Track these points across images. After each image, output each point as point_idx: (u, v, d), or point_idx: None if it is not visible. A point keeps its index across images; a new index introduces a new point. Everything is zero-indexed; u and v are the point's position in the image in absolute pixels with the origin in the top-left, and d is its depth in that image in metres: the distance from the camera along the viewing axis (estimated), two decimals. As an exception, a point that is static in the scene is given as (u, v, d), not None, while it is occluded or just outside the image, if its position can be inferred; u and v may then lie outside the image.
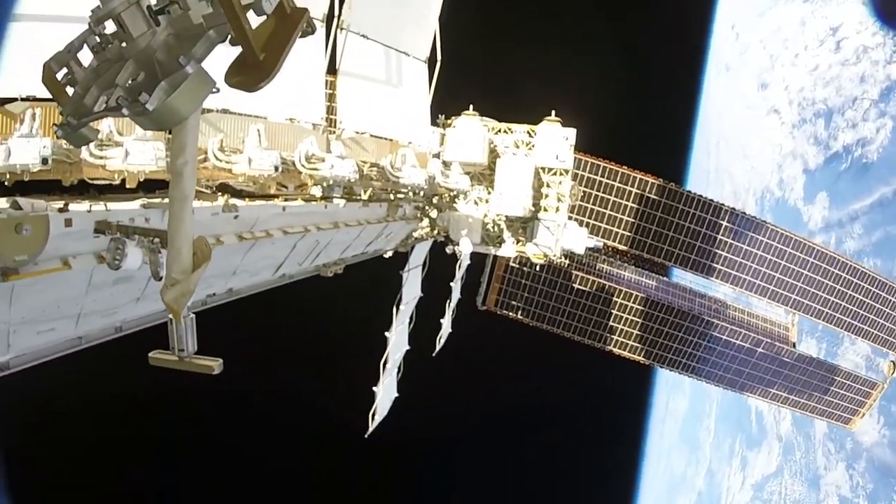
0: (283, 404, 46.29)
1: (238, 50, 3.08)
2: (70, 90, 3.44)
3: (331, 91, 15.07)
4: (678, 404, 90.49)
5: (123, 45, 3.17)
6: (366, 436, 24.89)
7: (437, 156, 19.07)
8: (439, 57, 17.34)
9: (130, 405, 39.41)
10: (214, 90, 3.23)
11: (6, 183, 8.55)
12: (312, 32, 3.20)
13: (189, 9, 3.02)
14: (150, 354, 5.18)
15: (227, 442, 46.66)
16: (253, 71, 3.01)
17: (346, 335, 40.16)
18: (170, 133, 4.24)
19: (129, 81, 3.08)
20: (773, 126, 79.25)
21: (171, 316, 4.82)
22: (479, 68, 44.16)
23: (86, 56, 3.41)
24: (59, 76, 3.45)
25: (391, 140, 16.03)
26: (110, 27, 3.21)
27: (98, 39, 3.26)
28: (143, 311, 9.25)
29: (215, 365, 5.01)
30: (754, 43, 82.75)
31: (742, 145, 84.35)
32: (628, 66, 56.70)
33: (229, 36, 3.03)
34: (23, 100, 8.84)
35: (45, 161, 8.40)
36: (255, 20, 3.00)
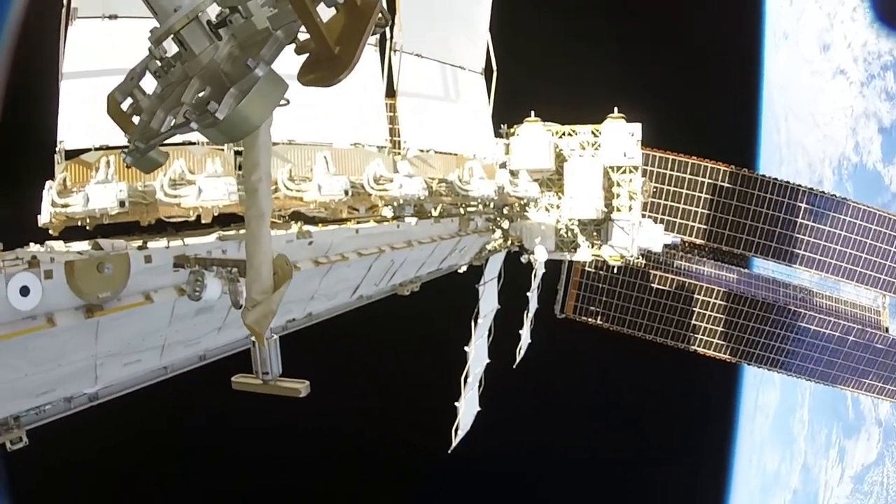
0: (365, 423, 46.65)
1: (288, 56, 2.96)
2: (136, 119, 3.37)
3: (392, 113, 15.11)
4: (768, 398, 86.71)
5: (186, 64, 3.07)
6: (449, 451, 24.81)
7: (503, 165, 18.95)
8: (494, 67, 17.22)
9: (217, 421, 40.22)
10: (285, 102, 3.06)
11: (87, 227, 8.83)
12: (386, 25, 3.02)
13: (252, 15, 2.92)
14: (233, 379, 5.10)
15: (307, 460, 47.16)
16: (329, 65, 2.82)
17: (426, 352, 40.22)
18: (240, 169, 4.13)
19: (196, 98, 2.96)
20: (842, 88, 75.81)
21: (253, 339, 4.68)
22: (534, 74, 43.83)
23: (150, 85, 3.32)
24: (125, 107, 3.40)
25: (456, 155, 15.96)
26: (172, 49, 3.14)
27: (160, 63, 3.19)
28: (225, 340, 9.38)
29: (302, 388, 4.88)
30: (809, 5, 79.00)
31: (812, 114, 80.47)
32: (684, 51, 55.35)
33: (295, 38, 2.92)
34: (97, 149, 9.14)
35: (122, 204, 8.68)
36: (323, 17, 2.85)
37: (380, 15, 2.91)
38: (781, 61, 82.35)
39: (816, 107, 79.54)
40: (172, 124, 3.05)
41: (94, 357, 6.82)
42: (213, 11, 3.04)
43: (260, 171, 3.73)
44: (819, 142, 79.39)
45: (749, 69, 74.41)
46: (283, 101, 3.03)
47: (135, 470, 40.90)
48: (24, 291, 5.48)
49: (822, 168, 79.03)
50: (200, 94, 2.97)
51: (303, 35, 2.94)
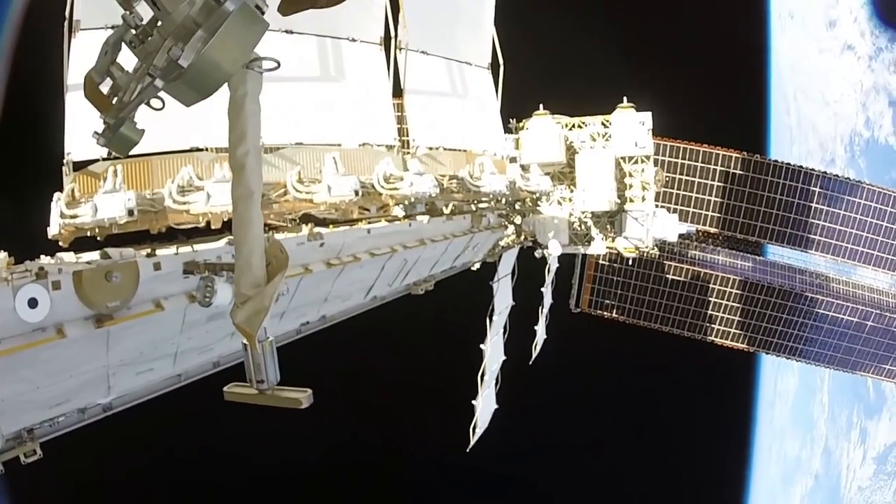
0: (382, 424, 46.66)
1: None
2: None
3: (399, 112, 15.00)
4: (787, 384, 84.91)
5: (160, 25, 2.68)
6: (467, 449, 24.68)
7: (514, 160, 18.82)
8: (501, 61, 17.08)
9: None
10: (274, 65, 2.71)
11: (98, 237, 8.81)
12: None
13: None
14: (225, 389, 4.63)
15: (321, 461, 47.14)
16: None
17: (441, 351, 40.15)
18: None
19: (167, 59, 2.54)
20: (850, 63, 74.71)
21: (244, 341, 4.15)
22: (541, 66, 43.63)
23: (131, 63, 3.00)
24: (105, 89, 3.08)
25: (466, 151, 15.82)
26: (148, 16, 2.77)
27: (135, 32, 2.86)
28: (239, 345, 9.24)
29: (303, 397, 4.24)
30: (814, -20, 78.61)
31: (821, 92, 78.66)
32: (690, 37, 54.81)
33: None
34: (104, 160, 9.12)
35: (130, 212, 8.67)
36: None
37: None
38: (789, 41, 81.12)
39: (826, 84, 78.39)
40: (138, 90, 2.68)
41: (106, 367, 6.76)
42: None
43: (247, 144, 3.32)
44: (829, 120, 78.09)
45: (756, 52, 73.60)
46: (270, 63, 2.67)
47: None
48: (33, 303, 5.42)
49: (833, 146, 77.85)
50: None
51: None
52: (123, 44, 2.99)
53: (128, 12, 2.78)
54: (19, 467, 6.45)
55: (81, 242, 8.97)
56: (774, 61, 78.28)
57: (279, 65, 2.77)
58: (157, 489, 42.38)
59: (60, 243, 8.81)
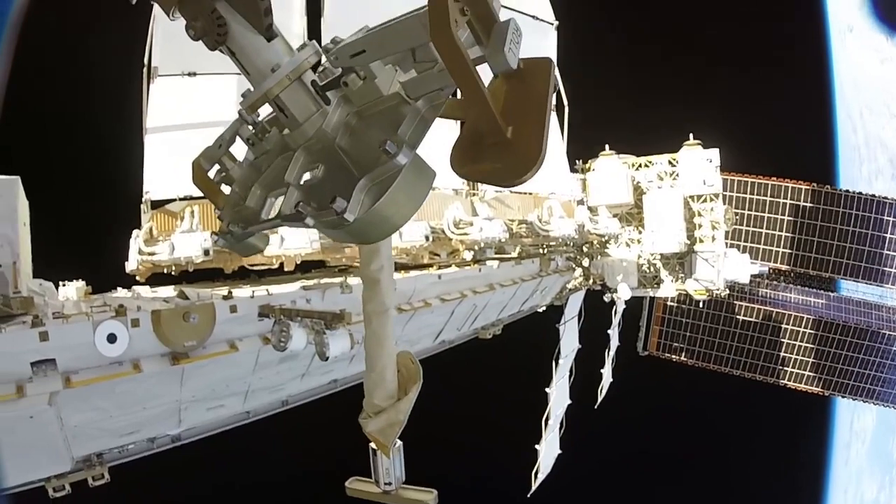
0: (443, 466, 46.12)
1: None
2: (227, 189, 2.90)
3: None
4: (864, 422, 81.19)
5: (287, 134, 2.47)
6: (528, 495, 24.24)
7: (581, 202, 18.67)
8: (566, 101, 17.04)
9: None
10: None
11: (173, 273, 9.04)
12: (555, 90, 2.11)
13: (375, 77, 2.25)
14: (347, 484, 4.53)
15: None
16: (505, 155, 1.91)
17: (506, 393, 39.71)
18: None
19: (302, 177, 2.35)
20: None
21: (373, 446, 4.11)
22: (603, 106, 43.42)
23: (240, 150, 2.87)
24: (213, 175, 2.95)
25: (533, 194, 15.77)
26: (264, 110, 2.58)
27: (252, 129, 2.68)
28: (308, 386, 9.39)
29: (429, 499, 4.27)
30: (869, -10, 76.05)
31: (887, 105, 75.04)
32: (748, 67, 53.79)
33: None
34: (181, 199, 9.40)
35: (206, 252, 8.86)
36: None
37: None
38: (850, 56, 78.87)
39: (891, 96, 75.61)
40: (279, 214, 2.41)
41: (179, 402, 6.95)
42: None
43: (381, 259, 3.19)
44: (898, 133, 75.43)
45: (818, 72, 71.69)
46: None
47: None
48: (112, 339, 5.62)
49: (904, 161, 74.96)
50: (308, 175, 2.37)
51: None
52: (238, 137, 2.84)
53: (247, 109, 2.55)
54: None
55: (156, 276, 9.23)
56: (837, 79, 76.24)
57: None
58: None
59: (137, 278, 9.08)
